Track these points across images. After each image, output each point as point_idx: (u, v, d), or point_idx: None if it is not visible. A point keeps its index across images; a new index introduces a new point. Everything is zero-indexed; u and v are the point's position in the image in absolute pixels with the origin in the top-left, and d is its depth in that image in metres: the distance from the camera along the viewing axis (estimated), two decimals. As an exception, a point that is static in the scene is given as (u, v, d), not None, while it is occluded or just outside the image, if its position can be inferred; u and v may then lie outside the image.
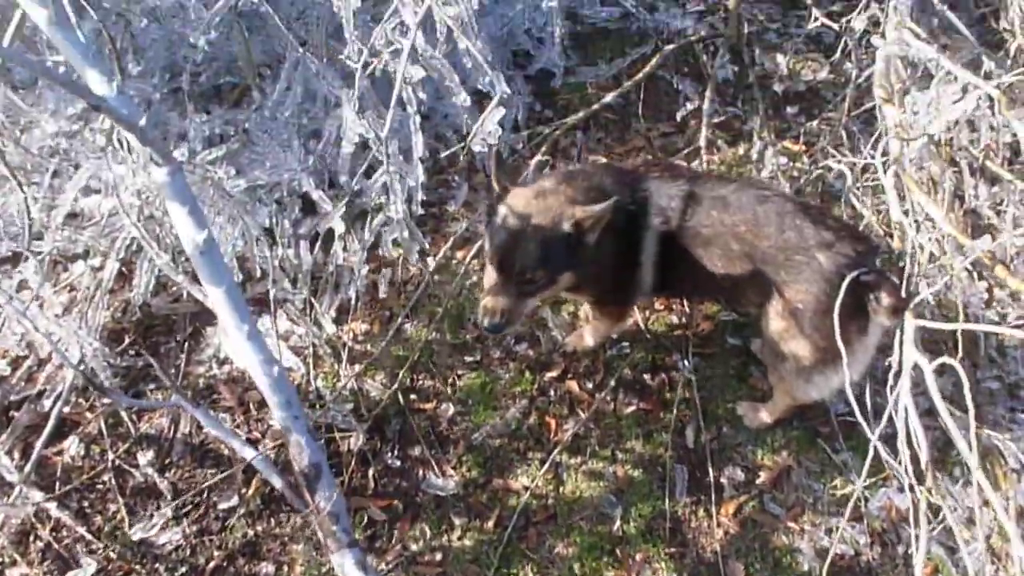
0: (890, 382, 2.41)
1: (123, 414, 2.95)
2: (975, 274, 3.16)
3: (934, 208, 2.90)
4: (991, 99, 3.05)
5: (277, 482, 2.56)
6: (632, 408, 3.02)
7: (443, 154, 3.52)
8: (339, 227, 3.23)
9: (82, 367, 2.88)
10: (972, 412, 2.14)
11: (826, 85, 4.21)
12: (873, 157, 3.37)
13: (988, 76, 3.89)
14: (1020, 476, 2.78)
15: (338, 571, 2.38)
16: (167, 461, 2.90)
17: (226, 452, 2.91)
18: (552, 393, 3.08)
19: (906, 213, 3.04)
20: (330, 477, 2.43)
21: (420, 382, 3.09)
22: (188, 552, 2.72)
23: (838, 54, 4.16)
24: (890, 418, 2.31)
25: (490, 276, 2.52)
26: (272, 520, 2.79)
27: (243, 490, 2.82)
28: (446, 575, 2.69)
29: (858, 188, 3.44)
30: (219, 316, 2.33)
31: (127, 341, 3.15)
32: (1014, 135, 3.34)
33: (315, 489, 2.40)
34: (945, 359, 2.21)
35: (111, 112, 2.02)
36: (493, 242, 2.47)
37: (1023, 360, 3.20)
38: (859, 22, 4.12)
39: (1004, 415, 3.00)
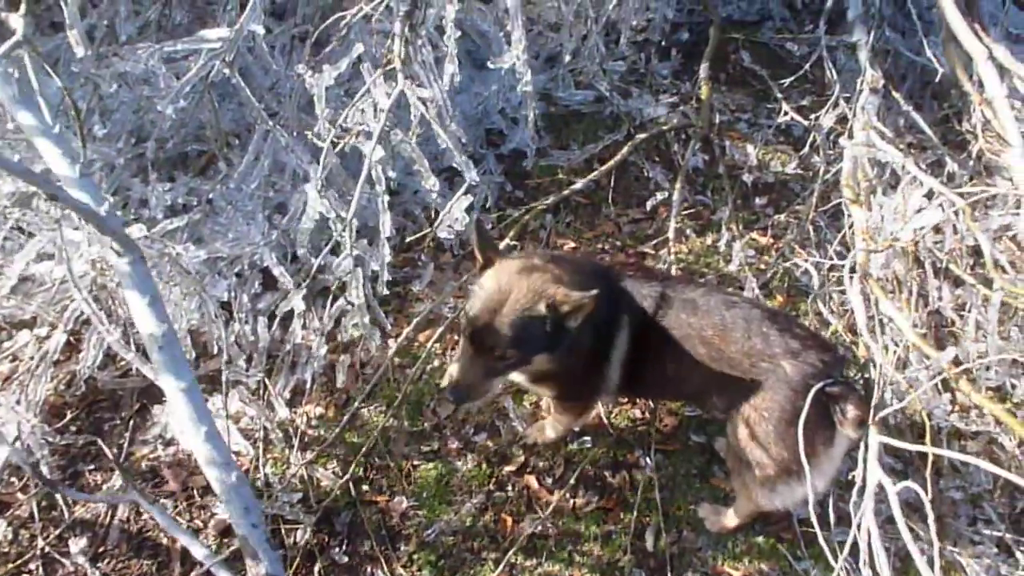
0: (854, 497, 2.36)
1: (58, 497, 2.80)
2: (939, 384, 3.15)
3: (900, 318, 2.90)
4: (955, 205, 3.08)
5: None
6: (592, 507, 2.94)
7: (410, 238, 3.46)
8: (299, 306, 3.15)
9: (18, 445, 2.75)
10: (934, 529, 2.11)
11: (795, 178, 4.27)
12: (840, 256, 3.39)
13: (951, 177, 3.99)
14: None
15: None
16: (101, 550, 2.75)
17: (164, 542, 2.77)
18: (510, 488, 2.99)
19: (871, 318, 3.04)
20: None
21: (373, 472, 2.98)
22: (114, 653, 2.56)
23: (807, 148, 4.24)
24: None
25: (463, 346, 2.44)
26: (207, 620, 2.63)
27: (179, 584, 2.68)
28: None
29: (824, 289, 3.45)
30: (176, 414, 2.23)
31: (68, 416, 3.02)
32: (975, 241, 3.38)
33: None
34: (908, 483, 2.17)
35: (70, 203, 1.95)
36: (469, 313, 2.39)
37: (985, 471, 3.18)
38: (827, 119, 4.21)
39: (967, 527, 2.95)
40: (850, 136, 3.84)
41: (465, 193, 2.87)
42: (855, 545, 2.27)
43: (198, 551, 2.38)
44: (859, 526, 2.28)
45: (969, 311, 3.47)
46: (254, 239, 3.37)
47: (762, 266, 3.77)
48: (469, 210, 2.93)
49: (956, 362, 3.17)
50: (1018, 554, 2.86)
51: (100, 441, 2.62)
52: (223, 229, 3.42)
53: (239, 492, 2.21)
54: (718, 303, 2.52)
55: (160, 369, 2.21)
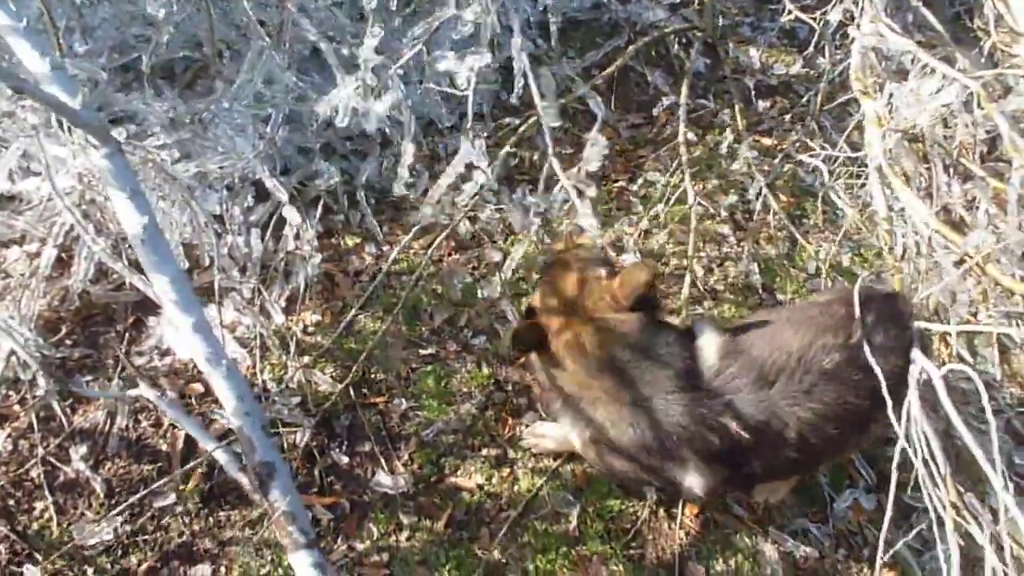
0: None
1: (56, 407, 2.78)
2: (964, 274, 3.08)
3: (920, 206, 2.81)
4: (969, 93, 2.97)
5: (233, 471, 2.38)
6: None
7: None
8: (293, 217, 3.10)
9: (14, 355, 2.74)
10: (994, 424, 2.02)
11: (799, 79, 4.14)
12: (849, 151, 3.29)
13: (963, 73, 3.85)
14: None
15: (297, 572, 2.20)
16: (101, 457, 2.74)
17: (164, 448, 2.76)
18: (510, 388, 2.96)
19: (890, 207, 2.96)
20: (286, 476, 2.25)
21: (372, 376, 2.95)
22: (120, 553, 2.56)
23: (811, 48, 4.09)
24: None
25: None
26: (210, 519, 2.64)
27: (181, 487, 2.67)
28: (393, 577, 2.55)
29: (834, 181, 3.36)
30: (164, 307, 2.19)
31: (63, 331, 2.99)
32: (988, 132, 3.28)
33: (269, 488, 2.23)
34: (958, 366, 2.10)
35: (37, 95, 1.89)
36: None
37: (992, 359, 3.13)
38: (834, 14, 4.05)
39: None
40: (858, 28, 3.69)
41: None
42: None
43: (204, 439, 2.36)
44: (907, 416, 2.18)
45: (978, 206, 3.37)
46: (245, 152, 3.30)
47: (766, 167, 3.67)
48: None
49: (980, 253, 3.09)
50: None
51: (119, 350, 2.58)
52: (212, 144, 3.35)
53: (231, 380, 2.17)
54: None
55: (144, 262, 2.16)
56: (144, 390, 2.43)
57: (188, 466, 2.65)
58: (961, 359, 3.06)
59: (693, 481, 2.24)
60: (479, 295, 3.16)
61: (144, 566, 2.54)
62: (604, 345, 2.24)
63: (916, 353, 2.28)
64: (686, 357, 2.23)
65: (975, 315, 3.33)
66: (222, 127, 3.38)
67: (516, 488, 2.74)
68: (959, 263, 2.84)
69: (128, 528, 2.60)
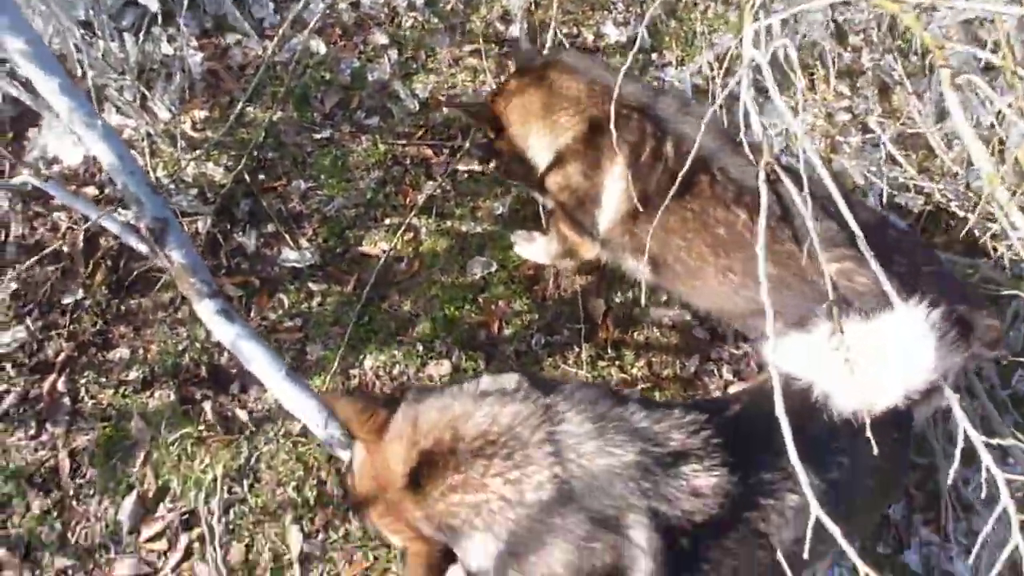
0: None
1: (-56, 227, 2.74)
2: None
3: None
4: None
5: (131, 239, 2.38)
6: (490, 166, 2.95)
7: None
8: (153, 5, 2.98)
9: None
10: None
11: None
12: None
13: None
14: None
15: (205, 323, 2.24)
16: (1, 265, 2.73)
17: (66, 249, 2.76)
18: (407, 161, 2.99)
19: None
20: (180, 231, 2.24)
21: (268, 163, 2.96)
22: (35, 347, 2.61)
23: None
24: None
25: None
26: (122, 307, 2.69)
27: (88, 282, 2.70)
28: (307, 338, 2.65)
29: None
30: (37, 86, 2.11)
31: (-58, 151, 2.90)
32: None
33: (165, 243, 2.22)
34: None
35: None
36: None
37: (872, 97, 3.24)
38: None
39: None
40: None
41: None
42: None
43: (92, 211, 2.36)
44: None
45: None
46: (104, -48, 3.13)
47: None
48: None
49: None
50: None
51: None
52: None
53: (108, 141, 2.15)
54: None
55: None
56: (27, 177, 2.39)
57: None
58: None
59: None
60: (369, 78, 3.14)
61: (61, 356, 2.59)
62: None
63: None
64: None
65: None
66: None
67: (421, 250, 2.83)
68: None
69: (40, 324, 2.63)
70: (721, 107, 2.14)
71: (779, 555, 1.60)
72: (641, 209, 2.06)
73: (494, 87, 2.52)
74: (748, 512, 1.70)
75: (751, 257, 2.00)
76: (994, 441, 1.60)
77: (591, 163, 2.22)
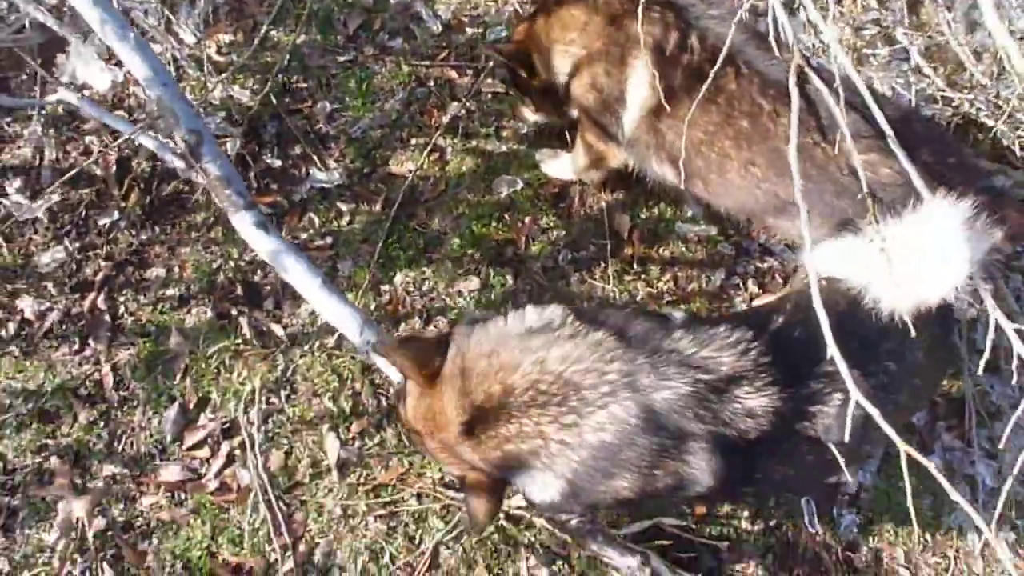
0: None
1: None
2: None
3: None
4: None
5: (166, 155, 2.43)
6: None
7: None
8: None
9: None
10: None
11: None
12: None
13: None
14: None
15: (241, 236, 2.24)
16: (37, 188, 2.79)
17: (100, 172, 2.80)
18: (431, 83, 3.00)
19: None
20: (214, 143, 2.26)
21: (294, 85, 2.97)
22: (74, 267, 2.68)
23: None
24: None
25: None
26: (156, 228, 2.74)
27: (122, 204, 2.75)
28: (338, 256, 2.70)
29: None
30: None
31: (-28, 79, 2.94)
32: None
33: (200, 156, 2.23)
34: None
35: None
36: None
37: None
38: None
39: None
40: None
41: None
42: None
43: (127, 127, 2.40)
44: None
45: None
46: None
47: None
48: None
49: None
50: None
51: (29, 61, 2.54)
52: None
53: (141, 52, 2.17)
54: None
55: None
56: (63, 94, 2.44)
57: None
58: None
59: None
60: (391, 0, 3.13)
61: (100, 275, 2.66)
62: None
63: None
64: None
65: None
66: None
67: (447, 170, 2.86)
68: None
69: (78, 245, 2.70)
70: (746, 15, 2.14)
71: (833, 451, 1.63)
72: (666, 104, 2.07)
73: (518, 19, 2.49)
74: (798, 423, 1.73)
75: (773, 149, 2.03)
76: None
77: (615, 60, 2.22)
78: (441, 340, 1.86)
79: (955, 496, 1.45)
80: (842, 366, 1.51)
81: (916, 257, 1.71)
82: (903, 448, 1.45)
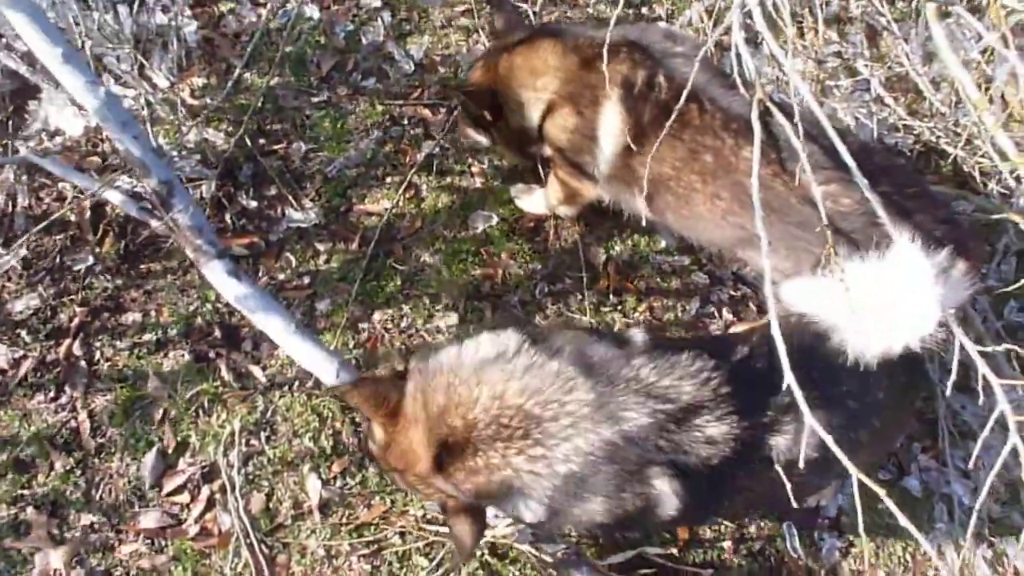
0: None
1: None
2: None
3: None
4: None
5: (131, 208, 2.41)
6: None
7: None
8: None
9: None
10: None
11: None
12: None
13: None
14: None
15: (213, 285, 2.25)
16: (10, 235, 2.77)
17: (74, 218, 2.80)
18: (405, 122, 3.03)
19: None
20: (185, 193, 2.28)
21: (268, 126, 3.00)
22: (49, 314, 2.66)
23: None
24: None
25: None
26: (132, 273, 2.74)
27: (97, 249, 2.74)
28: (316, 295, 2.71)
29: None
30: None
31: (-57, 127, 2.93)
32: None
33: (171, 206, 2.26)
34: None
35: None
36: None
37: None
38: None
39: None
40: None
41: None
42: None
43: (89, 184, 2.41)
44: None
45: None
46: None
47: None
48: None
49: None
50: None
51: None
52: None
53: (112, 109, 2.19)
54: None
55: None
56: (25, 154, 2.43)
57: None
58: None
59: None
60: (363, 40, 3.17)
61: (75, 321, 2.65)
62: None
63: None
64: None
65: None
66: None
67: (423, 207, 2.88)
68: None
69: (53, 291, 2.68)
70: (710, 52, 2.20)
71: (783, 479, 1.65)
72: (638, 141, 2.12)
73: (482, 64, 2.54)
74: (758, 450, 1.76)
75: (736, 183, 2.09)
76: (988, 348, 1.65)
77: (588, 102, 2.27)
78: (399, 376, 1.88)
79: (904, 522, 1.45)
80: (797, 392, 1.53)
81: (885, 307, 1.70)
82: (856, 475, 1.47)
